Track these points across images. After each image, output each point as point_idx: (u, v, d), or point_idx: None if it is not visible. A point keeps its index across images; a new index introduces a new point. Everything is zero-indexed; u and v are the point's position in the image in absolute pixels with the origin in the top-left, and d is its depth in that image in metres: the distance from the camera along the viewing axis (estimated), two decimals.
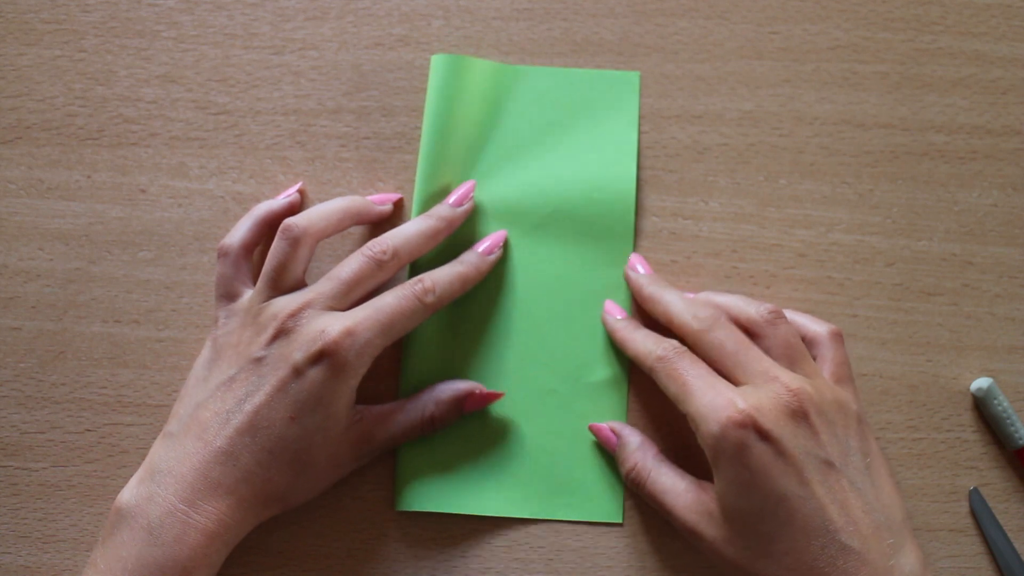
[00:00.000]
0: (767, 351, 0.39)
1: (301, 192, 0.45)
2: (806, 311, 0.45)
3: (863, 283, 0.45)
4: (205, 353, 0.41)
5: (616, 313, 0.43)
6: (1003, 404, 0.44)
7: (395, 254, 0.40)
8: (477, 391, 0.42)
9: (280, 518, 0.43)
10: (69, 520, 0.43)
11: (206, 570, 0.36)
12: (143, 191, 0.45)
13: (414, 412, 0.42)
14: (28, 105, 0.46)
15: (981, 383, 0.44)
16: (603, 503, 0.43)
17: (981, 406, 0.44)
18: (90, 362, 0.44)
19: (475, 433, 0.43)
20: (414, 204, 0.44)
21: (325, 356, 0.37)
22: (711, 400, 0.37)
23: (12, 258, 0.45)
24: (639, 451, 0.41)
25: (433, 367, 0.44)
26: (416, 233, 0.41)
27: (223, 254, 0.42)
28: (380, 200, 0.44)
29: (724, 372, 0.39)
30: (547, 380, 0.44)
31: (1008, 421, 0.43)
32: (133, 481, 0.38)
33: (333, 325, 0.38)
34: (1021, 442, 0.43)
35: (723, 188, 0.45)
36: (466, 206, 0.44)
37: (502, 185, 0.45)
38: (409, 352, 0.44)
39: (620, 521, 0.43)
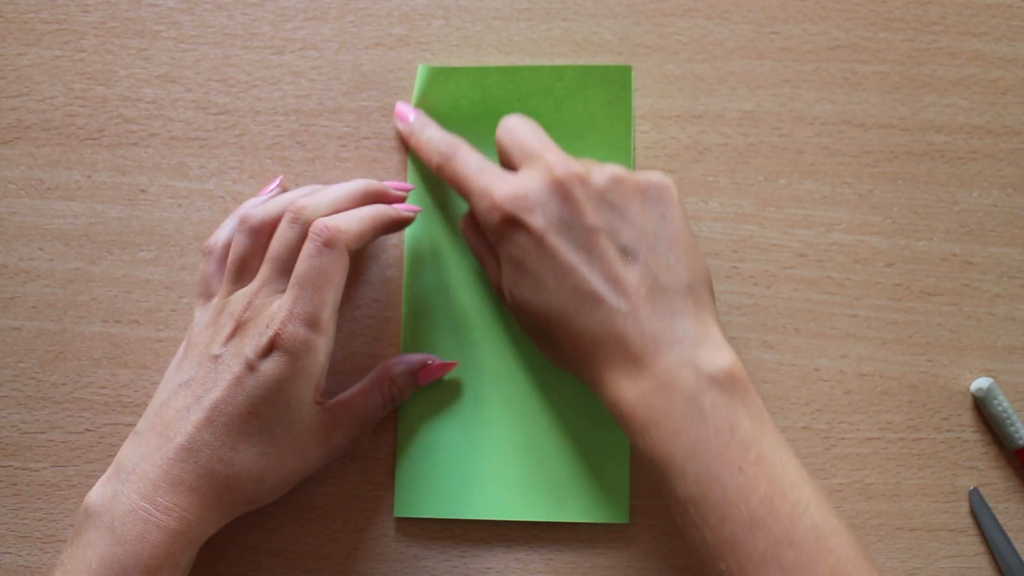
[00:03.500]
0: None
1: (282, 186, 0.45)
2: (806, 311, 0.45)
3: (863, 283, 0.45)
4: (178, 352, 0.41)
5: (408, 116, 0.44)
6: (1003, 404, 0.44)
7: (340, 233, 0.38)
8: (430, 362, 0.42)
9: (280, 518, 0.43)
10: (69, 520, 0.43)
11: (171, 570, 0.36)
12: (143, 191, 0.45)
13: (374, 393, 0.42)
14: (28, 105, 0.46)
15: (981, 383, 0.44)
16: (608, 504, 0.43)
17: (981, 406, 0.44)
18: (90, 362, 0.44)
19: (476, 437, 0.43)
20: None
21: (275, 347, 0.37)
22: (481, 190, 0.39)
23: (12, 258, 0.45)
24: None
25: None
26: (367, 223, 0.40)
27: (207, 253, 0.42)
28: None
29: (511, 163, 0.40)
30: (547, 381, 0.44)
31: (1008, 421, 0.43)
32: (100, 480, 0.37)
33: (277, 315, 0.37)
34: (1021, 442, 0.43)
35: (723, 188, 0.45)
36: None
37: None
38: None
39: (626, 521, 0.43)
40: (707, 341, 0.36)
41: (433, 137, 0.42)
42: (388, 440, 0.44)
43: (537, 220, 0.37)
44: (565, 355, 0.38)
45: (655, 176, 0.39)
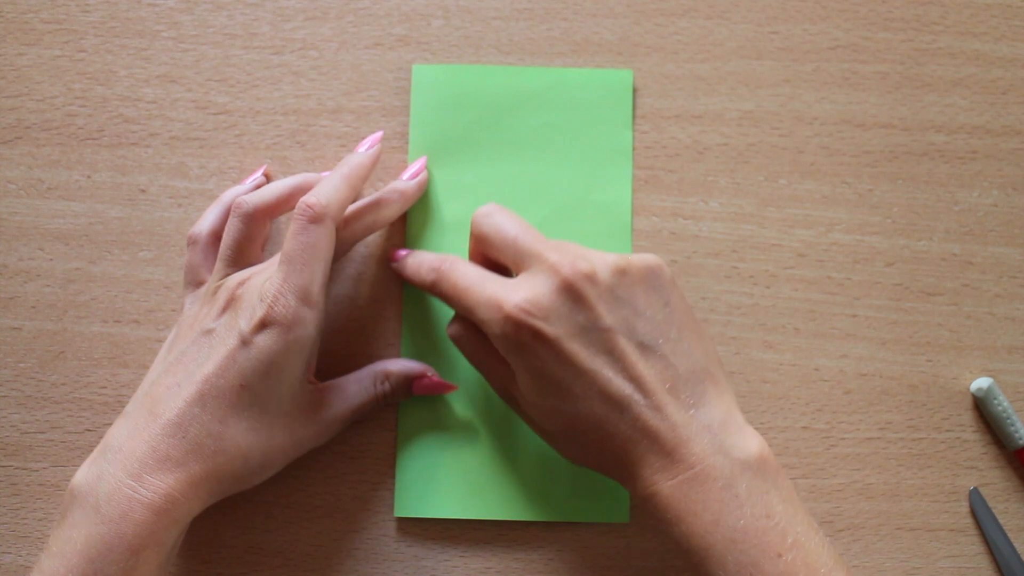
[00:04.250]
0: None
1: (267, 175, 0.45)
2: (806, 311, 0.45)
3: (863, 283, 0.45)
4: (168, 337, 0.41)
5: (399, 253, 0.43)
6: (1003, 404, 0.44)
7: (325, 208, 0.38)
8: (429, 374, 0.42)
9: (280, 518, 0.43)
10: None
11: (155, 549, 0.35)
12: (143, 191, 0.45)
13: (367, 383, 0.42)
14: (28, 105, 0.46)
15: (981, 383, 0.44)
16: (608, 504, 0.43)
17: (981, 406, 0.44)
18: (90, 362, 0.44)
19: (476, 437, 0.43)
20: (408, 213, 0.44)
21: (268, 323, 0.37)
22: (487, 302, 0.37)
23: (12, 258, 0.45)
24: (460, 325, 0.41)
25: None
26: (343, 185, 0.40)
27: (192, 242, 0.42)
28: None
29: (504, 263, 0.39)
30: None
31: (1008, 421, 0.43)
32: (86, 461, 0.37)
33: (269, 289, 0.37)
34: (1021, 442, 0.43)
35: (723, 188, 0.45)
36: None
37: (498, 188, 0.45)
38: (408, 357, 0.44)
39: (626, 521, 0.43)
40: (733, 426, 0.36)
41: (423, 259, 0.41)
42: (388, 440, 0.44)
43: (553, 328, 0.36)
44: (593, 456, 0.38)
45: (649, 260, 0.38)
